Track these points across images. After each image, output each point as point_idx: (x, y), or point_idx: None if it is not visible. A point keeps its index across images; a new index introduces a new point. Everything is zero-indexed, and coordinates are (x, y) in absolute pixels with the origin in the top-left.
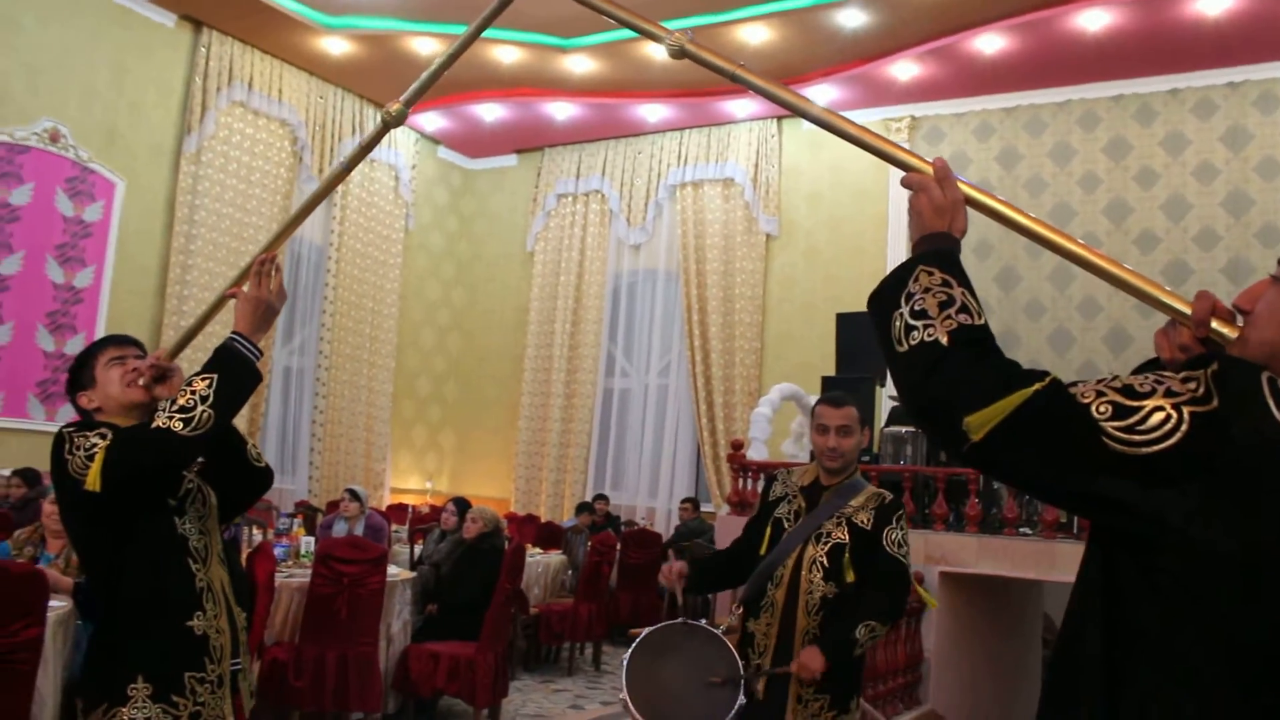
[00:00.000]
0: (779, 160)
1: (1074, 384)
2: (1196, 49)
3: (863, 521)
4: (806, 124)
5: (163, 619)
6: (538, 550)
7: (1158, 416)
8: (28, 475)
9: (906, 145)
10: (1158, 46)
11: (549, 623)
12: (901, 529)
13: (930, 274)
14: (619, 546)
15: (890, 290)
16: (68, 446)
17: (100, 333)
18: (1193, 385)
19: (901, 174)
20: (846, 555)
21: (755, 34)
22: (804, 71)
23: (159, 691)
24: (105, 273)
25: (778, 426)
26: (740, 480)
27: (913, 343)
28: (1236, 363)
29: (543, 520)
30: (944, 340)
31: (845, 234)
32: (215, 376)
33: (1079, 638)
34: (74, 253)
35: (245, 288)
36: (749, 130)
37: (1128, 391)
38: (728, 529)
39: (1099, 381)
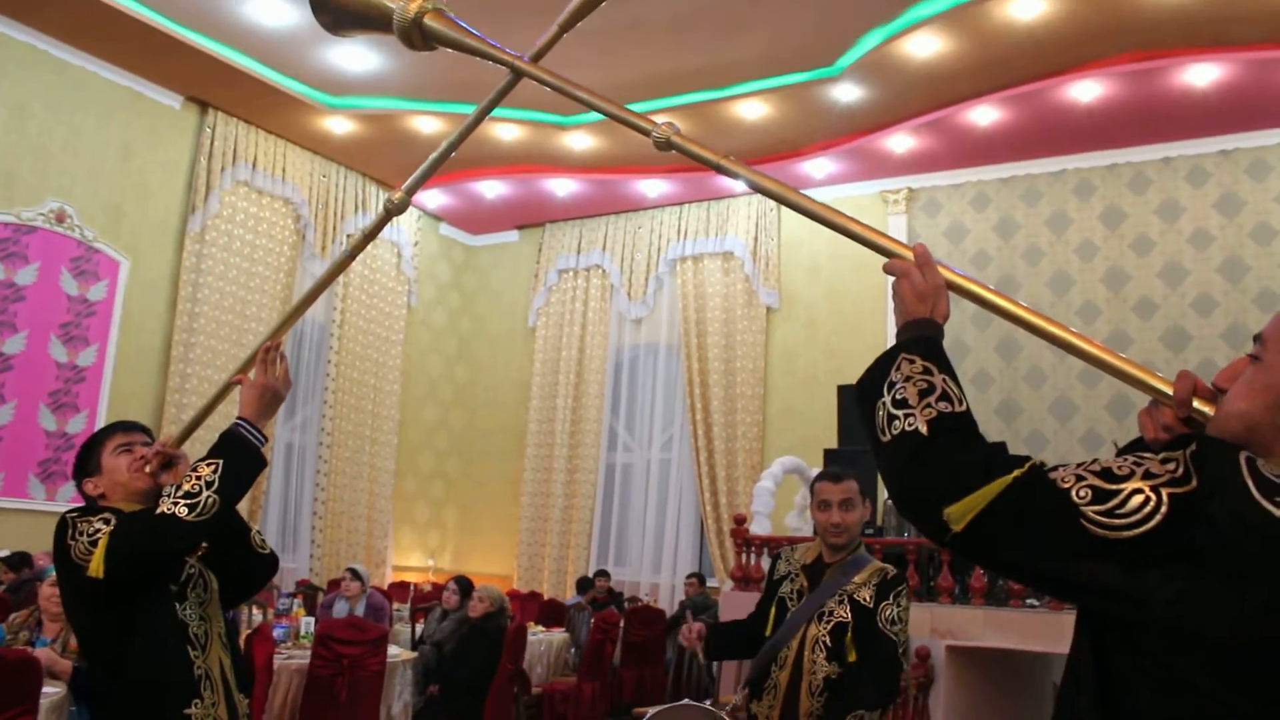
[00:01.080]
0: (778, 233)
1: (1054, 468)
2: (1188, 118)
3: (864, 599)
4: None
5: (160, 707)
6: (540, 628)
7: (1137, 499)
8: (12, 561)
9: (904, 216)
10: (1150, 116)
11: (552, 702)
12: (899, 605)
13: (912, 362)
14: (622, 623)
15: (874, 379)
16: (70, 532)
17: (103, 412)
18: (1171, 466)
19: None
20: (849, 635)
21: (752, 109)
22: (801, 145)
23: None
24: (108, 351)
25: (781, 500)
26: (744, 555)
27: (895, 432)
28: (1214, 443)
29: (545, 597)
30: (924, 429)
31: (845, 305)
32: (220, 462)
33: (1074, 713)
34: (77, 331)
35: (251, 374)
36: (747, 204)
37: (1107, 475)
38: (732, 604)
39: (1078, 465)
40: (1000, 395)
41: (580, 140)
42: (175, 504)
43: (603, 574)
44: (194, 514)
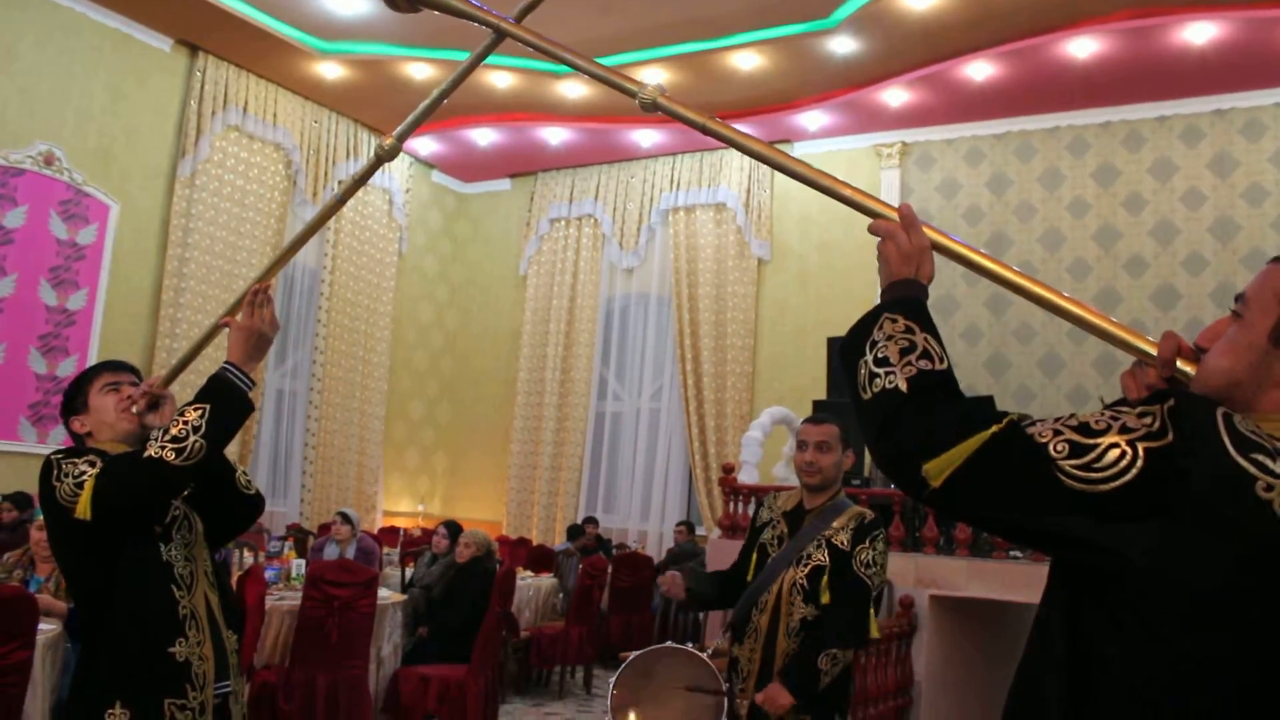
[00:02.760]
0: (770, 185)
1: (1032, 423)
2: (1184, 76)
3: (841, 543)
4: (798, 149)
5: (143, 645)
6: (529, 573)
7: (1113, 453)
8: (18, 499)
9: (897, 171)
10: (1146, 73)
11: (540, 646)
12: (875, 549)
13: (894, 321)
14: (610, 570)
15: (856, 339)
16: (56, 473)
17: (93, 355)
18: (1148, 420)
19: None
20: (825, 577)
21: (747, 60)
22: (796, 98)
23: (137, 717)
24: (98, 295)
25: (769, 450)
26: (731, 504)
27: (875, 390)
28: (1192, 398)
29: (534, 543)
30: (904, 387)
31: (836, 258)
32: (208, 406)
33: (1037, 683)
34: (67, 275)
35: (238, 317)
36: (740, 156)
37: (1084, 429)
38: (719, 552)
39: (1056, 420)
40: (989, 350)
41: (574, 89)
42: (162, 448)
43: (591, 521)
44: (180, 458)
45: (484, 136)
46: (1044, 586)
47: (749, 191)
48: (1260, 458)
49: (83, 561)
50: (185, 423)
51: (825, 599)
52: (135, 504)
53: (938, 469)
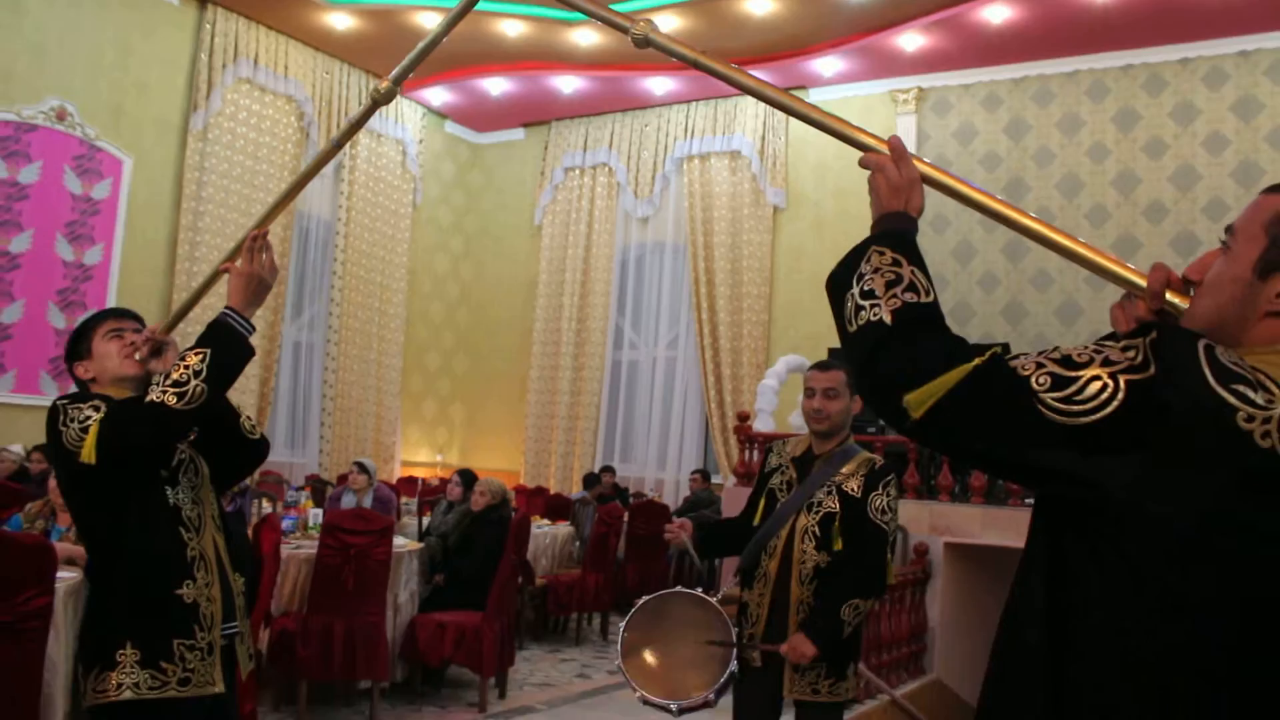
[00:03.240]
0: (785, 132)
1: (1015, 356)
2: (1207, 17)
3: (852, 489)
4: (813, 96)
5: (152, 587)
6: (545, 522)
7: (1095, 386)
8: (48, 451)
9: (913, 116)
10: (1167, 15)
11: (556, 593)
12: (888, 495)
13: (882, 254)
14: (626, 518)
15: (844, 272)
16: (62, 418)
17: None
18: (1131, 354)
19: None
20: (836, 524)
21: (760, 5)
22: (811, 43)
23: (147, 657)
24: (114, 250)
25: (785, 398)
26: (746, 452)
27: (860, 322)
28: (1175, 331)
29: (551, 492)
30: (888, 319)
31: (852, 205)
32: (208, 351)
33: (1019, 634)
34: (83, 230)
35: (238, 263)
36: (755, 103)
37: (1066, 362)
38: (734, 500)
39: (1039, 353)
40: (1007, 297)
41: (586, 36)
42: (164, 392)
43: (608, 470)
44: (182, 402)
45: (496, 86)
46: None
47: (764, 139)
48: (1241, 388)
49: (91, 505)
50: (186, 367)
51: (838, 545)
52: (139, 447)
53: (919, 400)
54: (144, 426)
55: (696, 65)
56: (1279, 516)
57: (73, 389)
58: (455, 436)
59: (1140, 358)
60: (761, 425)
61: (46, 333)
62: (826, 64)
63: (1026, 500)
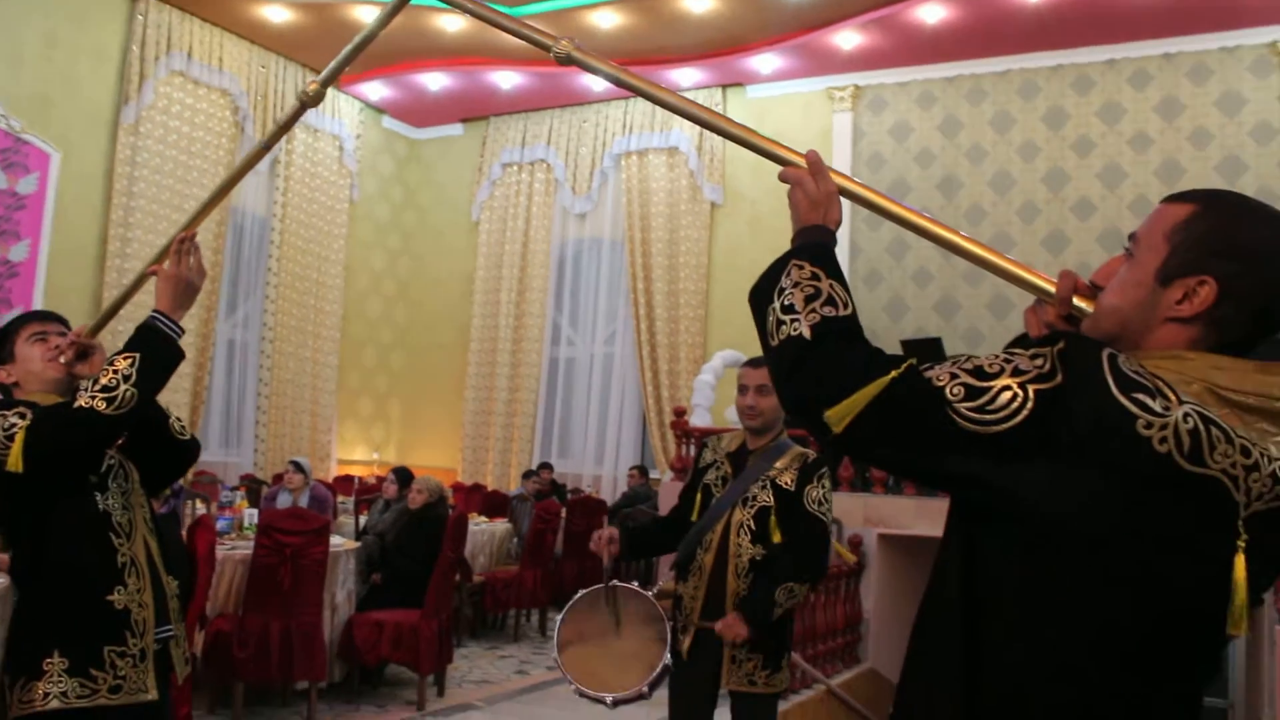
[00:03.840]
0: None
1: (929, 367)
2: (1133, 19)
3: (786, 483)
4: (750, 93)
5: (81, 594)
6: (483, 519)
7: (1005, 396)
8: None
9: (850, 114)
10: (1096, 17)
11: (494, 590)
12: (823, 487)
13: (801, 267)
14: (564, 514)
15: (766, 285)
16: None
17: (37, 306)
18: (1039, 362)
19: (779, 169)
20: (772, 518)
21: (699, 3)
22: (749, 40)
23: (76, 665)
24: (41, 246)
25: (721, 393)
26: (683, 446)
27: (781, 337)
28: (1080, 340)
29: (489, 489)
30: (807, 334)
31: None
32: (137, 355)
33: (934, 623)
34: (8, 226)
35: (165, 265)
36: (693, 99)
37: (978, 373)
38: (671, 495)
39: (952, 363)
40: (889, 294)
41: None
42: (93, 398)
43: (546, 466)
44: (111, 407)
45: (435, 81)
46: (943, 531)
47: (701, 135)
48: (1141, 396)
49: (16, 512)
50: (115, 372)
51: (776, 538)
52: (67, 454)
53: (839, 415)
54: (73, 432)
55: (618, 83)
56: (1176, 517)
57: None
58: (392, 433)
59: (1048, 366)
60: (698, 420)
61: None
62: (764, 61)
63: None
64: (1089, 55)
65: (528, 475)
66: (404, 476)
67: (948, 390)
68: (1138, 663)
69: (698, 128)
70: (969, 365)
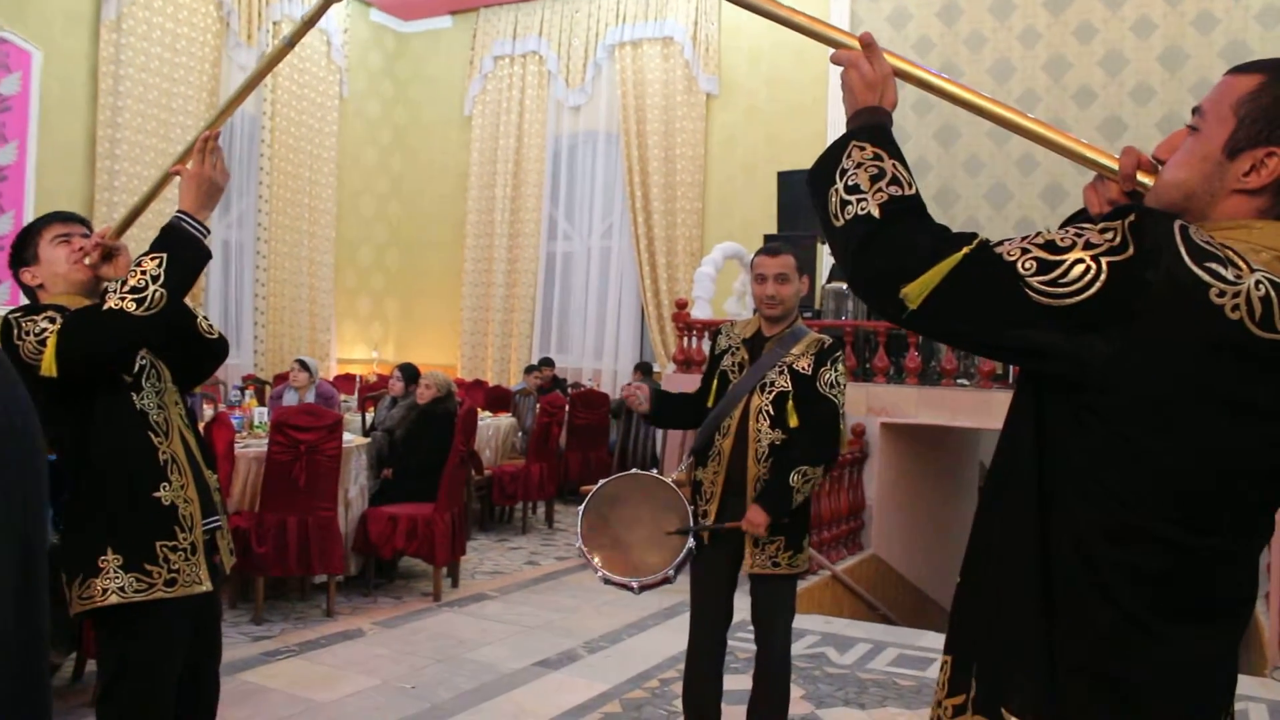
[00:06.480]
0: (719, 18)
1: (1000, 243)
2: None
3: (803, 368)
4: None
5: (128, 492)
6: (487, 414)
7: (1078, 269)
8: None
9: (847, 2)
10: None
11: (501, 484)
12: (836, 370)
13: (862, 149)
14: (567, 408)
15: (826, 168)
16: (17, 332)
17: (29, 211)
18: (1110, 235)
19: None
20: (790, 402)
21: None
22: None
23: (130, 561)
24: (29, 148)
25: (721, 285)
26: (685, 339)
27: (848, 217)
28: (1151, 213)
29: (490, 385)
30: (876, 213)
31: (786, 92)
32: (165, 256)
33: (1012, 474)
34: None
35: (189, 165)
36: None
37: (1050, 247)
38: (674, 387)
39: (1024, 239)
40: (938, 182)
41: None
42: (123, 299)
43: (547, 361)
44: (142, 309)
45: None
46: (1001, 409)
47: (696, 24)
48: (1213, 265)
49: (57, 417)
50: (144, 273)
51: (793, 423)
52: (100, 357)
53: (916, 291)
54: (105, 335)
55: None
56: (1245, 380)
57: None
58: (390, 332)
59: (1119, 239)
60: (699, 313)
61: None
62: None
63: (959, 380)
64: None
65: (529, 370)
66: (410, 373)
67: (1020, 264)
68: (1202, 522)
69: (693, 17)
70: (1040, 240)
